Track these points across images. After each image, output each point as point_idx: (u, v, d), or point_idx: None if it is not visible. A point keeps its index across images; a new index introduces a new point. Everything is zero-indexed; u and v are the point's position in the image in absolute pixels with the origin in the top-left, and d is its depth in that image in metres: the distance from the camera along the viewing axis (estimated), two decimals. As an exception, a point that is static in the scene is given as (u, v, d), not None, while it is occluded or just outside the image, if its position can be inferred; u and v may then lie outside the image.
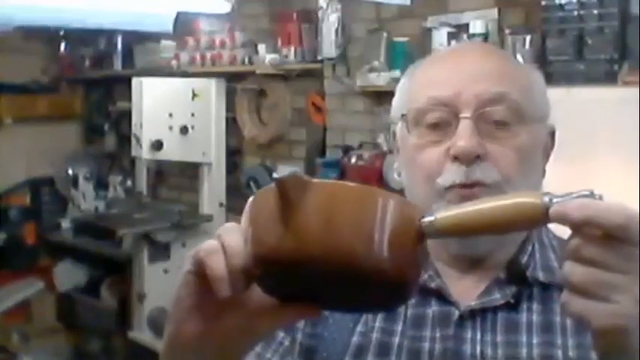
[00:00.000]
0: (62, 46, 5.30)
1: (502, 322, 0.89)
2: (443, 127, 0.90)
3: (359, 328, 0.93)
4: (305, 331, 0.95)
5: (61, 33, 5.17)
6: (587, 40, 2.55)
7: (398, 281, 0.65)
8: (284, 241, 0.62)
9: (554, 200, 0.62)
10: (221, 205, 4.10)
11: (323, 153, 3.78)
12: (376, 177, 3.18)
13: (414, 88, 0.95)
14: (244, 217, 0.68)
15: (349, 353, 0.92)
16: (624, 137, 2.25)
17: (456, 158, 0.87)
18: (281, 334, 0.96)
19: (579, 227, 0.61)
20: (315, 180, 0.64)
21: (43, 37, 5.13)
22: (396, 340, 0.91)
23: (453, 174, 0.88)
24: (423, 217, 0.66)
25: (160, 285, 3.88)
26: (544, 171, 0.96)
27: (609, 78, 2.50)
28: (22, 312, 4.79)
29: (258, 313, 0.71)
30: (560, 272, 0.64)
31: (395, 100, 0.99)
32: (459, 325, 0.89)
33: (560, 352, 0.86)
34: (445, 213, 0.66)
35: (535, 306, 0.90)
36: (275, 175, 0.63)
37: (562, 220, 0.61)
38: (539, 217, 0.62)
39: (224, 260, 0.65)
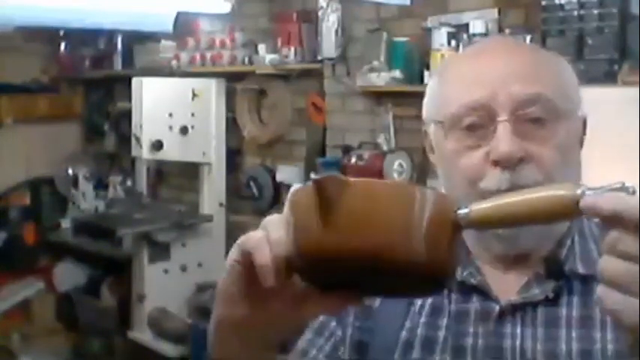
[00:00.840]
0: (62, 46, 5.29)
1: (541, 316, 0.89)
2: (479, 129, 0.89)
3: (407, 323, 0.94)
4: (355, 324, 0.97)
5: (61, 33, 5.17)
6: (587, 40, 2.55)
7: (436, 273, 0.68)
8: (324, 238, 0.65)
9: (587, 192, 0.61)
10: (221, 205, 4.08)
11: (323, 153, 3.78)
12: (376, 177, 3.18)
13: (447, 91, 0.94)
14: (286, 211, 0.71)
15: (399, 347, 0.93)
16: (624, 137, 2.25)
17: (497, 163, 0.87)
18: (333, 324, 0.97)
19: (609, 220, 0.60)
20: (352, 179, 0.66)
21: (43, 37, 5.12)
22: (442, 334, 0.92)
23: (497, 180, 0.87)
24: (459, 208, 0.67)
25: (160, 285, 3.88)
26: (580, 161, 0.96)
27: (609, 78, 2.51)
28: (22, 312, 4.78)
29: (302, 300, 0.73)
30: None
31: (426, 102, 0.99)
32: (499, 320, 0.90)
33: (599, 347, 0.87)
34: (480, 205, 0.67)
35: (575, 300, 0.90)
36: (313, 175, 0.67)
37: (592, 212, 0.61)
38: (572, 210, 0.62)
39: (269, 251, 0.68)
